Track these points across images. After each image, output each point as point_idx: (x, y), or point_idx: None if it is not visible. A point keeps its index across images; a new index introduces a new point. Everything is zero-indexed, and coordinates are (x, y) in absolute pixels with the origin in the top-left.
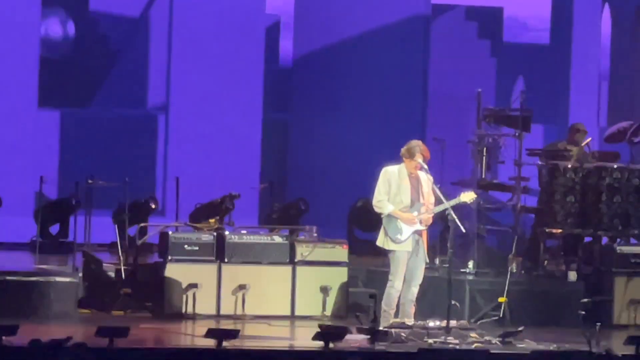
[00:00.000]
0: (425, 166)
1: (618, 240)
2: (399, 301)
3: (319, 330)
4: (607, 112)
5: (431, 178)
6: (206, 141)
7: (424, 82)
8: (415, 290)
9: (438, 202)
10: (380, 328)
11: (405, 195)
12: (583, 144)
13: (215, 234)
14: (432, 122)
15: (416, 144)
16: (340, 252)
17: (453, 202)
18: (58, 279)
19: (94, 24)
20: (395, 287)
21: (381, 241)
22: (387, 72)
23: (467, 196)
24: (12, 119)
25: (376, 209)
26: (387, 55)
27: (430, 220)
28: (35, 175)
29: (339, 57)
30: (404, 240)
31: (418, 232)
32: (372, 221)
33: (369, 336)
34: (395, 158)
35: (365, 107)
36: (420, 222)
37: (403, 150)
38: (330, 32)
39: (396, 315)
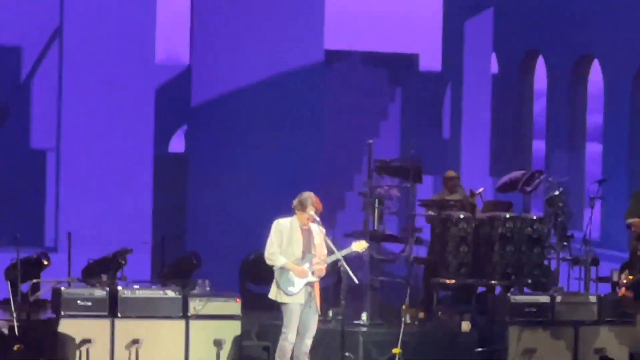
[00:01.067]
0: (317, 218)
1: (512, 289)
2: (292, 354)
3: None
4: (489, 161)
5: (323, 230)
6: (98, 196)
7: (319, 131)
8: (309, 342)
9: (330, 253)
10: None
11: (297, 247)
12: (477, 193)
13: (108, 289)
14: (325, 172)
15: (308, 195)
16: (233, 305)
17: (345, 251)
18: None
19: None
20: (288, 339)
21: (273, 294)
22: (282, 122)
23: (359, 245)
24: None
25: (268, 262)
26: (284, 106)
27: (323, 272)
28: None
29: (236, 107)
30: (296, 292)
31: (310, 284)
32: (265, 274)
33: None
34: (288, 210)
35: (260, 158)
36: (313, 274)
37: (295, 202)
38: (227, 80)
39: None
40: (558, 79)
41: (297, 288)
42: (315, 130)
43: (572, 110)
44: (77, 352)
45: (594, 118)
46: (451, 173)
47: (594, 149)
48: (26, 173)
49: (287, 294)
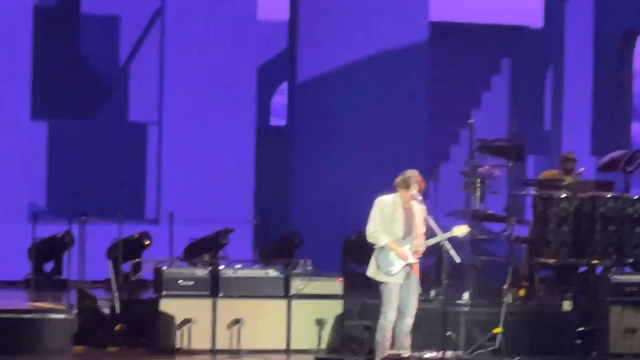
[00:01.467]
0: (420, 197)
1: (613, 269)
2: (393, 333)
3: None
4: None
5: (425, 208)
6: (199, 174)
7: (422, 110)
8: (410, 321)
9: (431, 233)
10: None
11: (399, 226)
12: (578, 172)
13: (209, 268)
14: (428, 149)
15: (412, 174)
16: (335, 285)
17: (446, 235)
18: (52, 316)
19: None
20: (388, 318)
21: (372, 272)
22: (387, 100)
23: (460, 230)
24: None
25: (370, 240)
26: (386, 83)
27: (423, 252)
28: (27, 208)
29: (339, 84)
30: (396, 273)
31: (410, 265)
32: (367, 254)
33: None
34: (391, 188)
35: (363, 136)
36: (413, 254)
37: (398, 180)
38: (332, 57)
39: (392, 347)
40: None
41: (397, 268)
42: (418, 107)
43: None
44: (179, 332)
45: None
46: (571, 155)
47: None
48: (126, 147)
49: (386, 274)
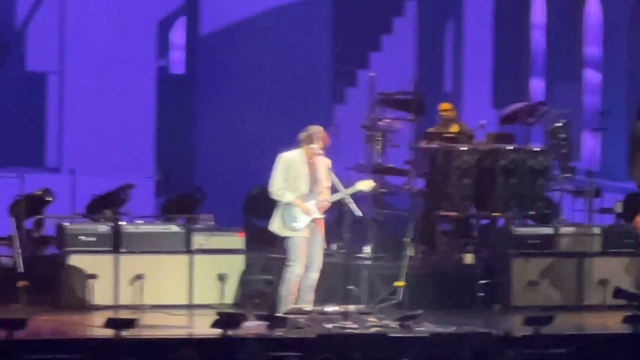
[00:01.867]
0: (321, 152)
1: (514, 221)
2: (298, 287)
3: (217, 318)
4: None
5: (329, 163)
6: (100, 125)
7: (326, 61)
8: (314, 276)
9: (335, 189)
10: (279, 314)
11: (304, 182)
12: (477, 126)
13: (111, 224)
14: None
15: (316, 130)
16: (237, 240)
17: (350, 190)
18: None
19: None
20: (294, 272)
21: (277, 227)
22: (290, 51)
23: (365, 184)
24: None
25: (275, 197)
26: (289, 38)
27: (328, 206)
28: None
29: (242, 35)
30: (301, 228)
31: (316, 219)
32: (268, 209)
33: (267, 323)
34: (293, 143)
35: (266, 89)
36: (319, 210)
37: (302, 135)
38: (235, 8)
39: (295, 301)
40: (555, 11)
41: (301, 224)
42: (323, 59)
43: (571, 41)
44: (82, 288)
45: (591, 50)
46: (445, 105)
47: (591, 81)
48: (26, 97)
49: (291, 230)
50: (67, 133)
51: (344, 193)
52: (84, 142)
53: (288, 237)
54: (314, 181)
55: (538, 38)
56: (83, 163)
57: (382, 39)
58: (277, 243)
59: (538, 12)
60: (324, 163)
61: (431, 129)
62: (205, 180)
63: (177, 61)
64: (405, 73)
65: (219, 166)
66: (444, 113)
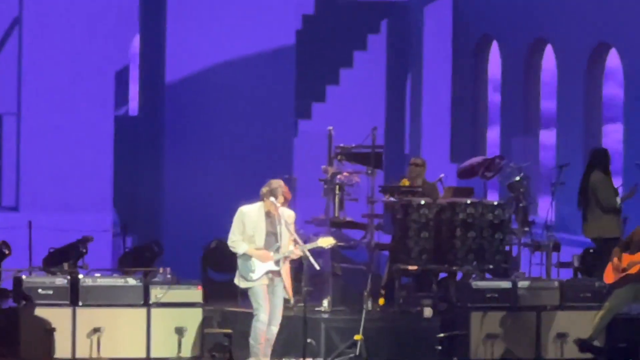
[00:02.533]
0: (279, 206)
1: (473, 275)
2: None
3: None
4: (449, 148)
5: (293, 216)
6: (57, 167)
7: (292, 118)
8: (274, 329)
9: (295, 242)
10: None
11: (260, 236)
12: (436, 180)
13: (69, 277)
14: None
15: (278, 184)
16: (195, 293)
17: (310, 245)
18: None
19: None
20: (260, 319)
21: (237, 280)
22: (254, 100)
23: (325, 241)
24: None
25: (231, 249)
26: (253, 89)
27: (297, 255)
28: None
29: (207, 83)
30: (257, 278)
31: (273, 272)
32: (226, 262)
33: None
34: (253, 197)
35: (225, 143)
36: (277, 263)
37: (264, 190)
38: (201, 57)
39: (249, 354)
40: (512, 65)
41: (257, 274)
42: (288, 115)
43: (527, 96)
44: (39, 341)
45: (547, 104)
46: (417, 160)
47: (547, 136)
48: None
49: (249, 280)
50: (23, 172)
51: (304, 248)
52: (41, 181)
53: (248, 288)
54: (272, 235)
55: (494, 92)
56: (40, 202)
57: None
58: (236, 297)
59: (494, 67)
60: (287, 216)
61: (395, 183)
62: (164, 232)
63: (135, 104)
64: (366, 122)
65: (177, 219)
66: (416, 167)
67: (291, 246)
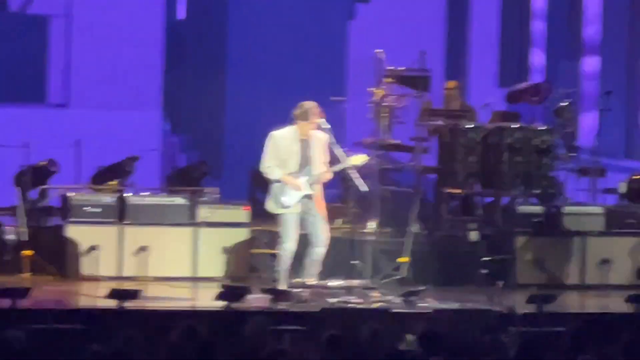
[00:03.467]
0: (327, 126)
1: (519, 200)
2: (304, 261)
3: (221, 290)
4: (498, 73)
5: (328, 137)
6: (106, 100)
7: (343, 44)
8: (319, 250)
9: (335, 162)
10: (282, 288)
11: (293, 160)
12: (483, 105)
13: (116, 196)
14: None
15: (310, 105)
16: (242, 213)
17: (342, 165)
18: None
19: None
20: (285, 248)
21: (270, 206)
22: (301, 29)
23: (358, 159)
24: None
25: (264, 174)
26: (304, 13)
27: (327, 178)
28: None
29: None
30: (291, 204)
31: (308, 196)
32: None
33: (270, 296)
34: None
35: (275, 65)
36: (311, 186)
37: (296, 112)
38: None
39: (299, 275)
40: None
41: (292, 200)
42: (337, 40)
43: (570, 22)
44: (85, 259)
45: (590, 30)
46: (450, 83)
47: (589, 62)
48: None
49: (281, 207)
50: (73, 70)
51: (337, 167)
52: (89, 79)
53: (279, 215)
54: (304, 158)
55: (539, 18)
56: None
57: None
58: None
59: None
60: (322, 138)
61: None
62: (213, 152)
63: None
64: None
65: (227, 139)
66: (449, 91)
67: (323, 168)
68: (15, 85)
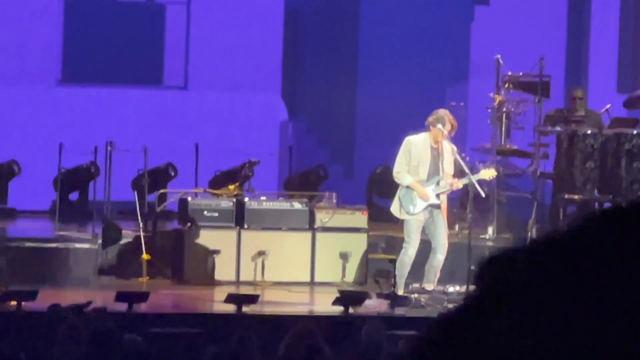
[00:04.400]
0: (450, 135)
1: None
2: (424, 267)
3: (338, 295)
4: (616, 79)
5: (455, 148)
6: (225, 106)
7: (465, 48)
8: (440, 257)
9: (459, 173)
10: (400, 293)
11: (424, 167)
12: (602, 111)
13: (234, 200)
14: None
15: (444, 113)
16: (360, 218)
17: (473, 178)
18: (78, 245)
19: None
20: (408, 253)
21: (395, 210)
22: (425, 36)
23: (488, 173)
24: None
25: (395, 180)
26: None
27: (455, 187)
28: (54, 141)
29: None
30: (417, 212)
31: (433, 205)
32: (392, 188)
33: (388, 301)
34: (419, 126)
35: (392, 71)
36: (438, 197)
37: (430, 119)
38: None
39: (419, 281)
40: None
41: (418, 208)
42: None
43: None
44: (204, 263)
45: None
46: (577, 93)
47: None
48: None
49: (407, 213)
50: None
51: (467, 180)
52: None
53: (404, 220)
54: (436, 166)
55: None
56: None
57: None
58: (399, 223)
59: None
60: (450, 149)
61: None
62: (330, 157)
63: None
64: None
65: (345, 144)
66: (577, 100)
67: (450, 180)
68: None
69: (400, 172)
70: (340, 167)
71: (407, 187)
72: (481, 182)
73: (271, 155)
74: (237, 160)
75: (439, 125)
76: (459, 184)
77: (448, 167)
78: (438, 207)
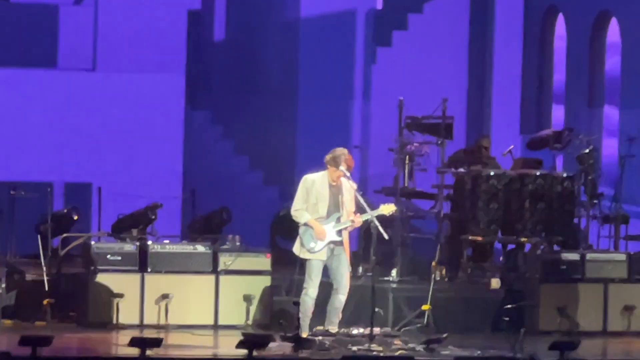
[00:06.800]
0: (348, 174)
1: (541, 247)
2: (326, 308)
3: (242, 338)
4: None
5: (354, 186)
6: (128, 149)
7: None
8: (342, 298)
9: (360, 210)
10: (304, 335)
11: (323, 204)
12: (505, 152)
13: (138, 243)
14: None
15: (341, 152)
16: (263, 261)
17: (373, 213)
18: None
19: None
20: (308, 294)
21: (296, 249)
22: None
23: (387, 208)
24: None
25: (294, 218)
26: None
27: (351, 229)
28: None
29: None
30: (318, 250)
31: (334, 242)
32: (295, 230)
33: (292, 344)
34: (321, 165)
35: (293, 113)
36: (339, 233)
37: (328, 157)
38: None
39: (320, 322)
40: (577, 37)
41: (319, 246)
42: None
43: (591, 68)
44: (107, 307)
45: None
46: (484, 142)
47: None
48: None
49: (308, 251)
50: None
51: (368, 215)
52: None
53: (305, 260)
54: (335, 204)
55: (560, 64)
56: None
57: None
58: (302, 264)
59: (560, 38)
60: (349, 186)
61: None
62: (233, 200)
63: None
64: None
65: (247, 187)
66: (486, 150)
67: (351, 216)
68: None
69: (299, 209)
70: (244, 208)
71: (306, 225)
72: (385, 225)
73: (174, 199)
74: (139, 203)
75: (341, 167)
76: (360, 219)
77: (348, 204)
78: (340, 243)
